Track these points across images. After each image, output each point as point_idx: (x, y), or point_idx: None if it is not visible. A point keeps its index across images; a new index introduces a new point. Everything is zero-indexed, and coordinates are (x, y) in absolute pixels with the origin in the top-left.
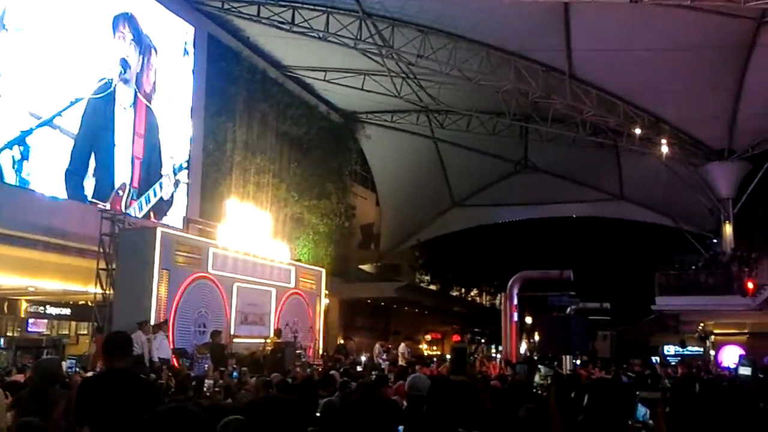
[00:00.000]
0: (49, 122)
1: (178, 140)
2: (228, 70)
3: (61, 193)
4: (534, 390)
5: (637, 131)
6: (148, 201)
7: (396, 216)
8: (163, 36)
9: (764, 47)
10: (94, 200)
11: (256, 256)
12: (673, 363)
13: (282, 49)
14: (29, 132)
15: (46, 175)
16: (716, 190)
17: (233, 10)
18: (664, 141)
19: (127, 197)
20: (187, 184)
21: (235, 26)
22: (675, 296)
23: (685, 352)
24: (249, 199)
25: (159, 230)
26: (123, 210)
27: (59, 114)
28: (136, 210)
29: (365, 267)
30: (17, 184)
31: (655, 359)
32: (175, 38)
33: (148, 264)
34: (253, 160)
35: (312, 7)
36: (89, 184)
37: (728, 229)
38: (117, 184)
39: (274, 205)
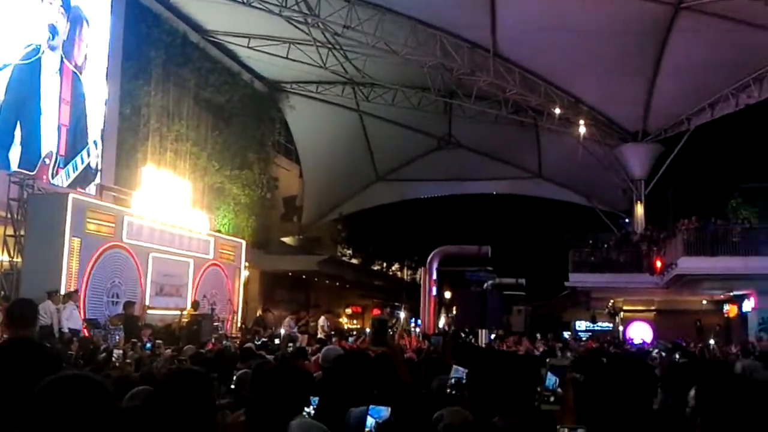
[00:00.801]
0: None
1: (101, 107)
2: (146, 32)
3: None
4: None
5: (557, 111)
6: (75, 168)
7: (319, 188)
8: (91, 2)
9: (680, 32)
10: (20, 170)
11: (173, 226)
12: (584, 338)
13: (204, 13)
14: None
15: None
16: (629, 171)
17: None
18: (581, 121)
19: (54, 165)
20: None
21: None
22: (587, 273)
23: (596, 328)
24: (167, 166)
25: (70, 196)
26: (50, 178)
27: None
28: (63, 178)
29: (287, 239)
30: None
31: (567, 334)
32: (102, 3)
33: (59, 231)
34: (172, 126)
35: None
36: (15, 153)
37: (640, 209)
38: (44, 153)
39: (193, 174)
